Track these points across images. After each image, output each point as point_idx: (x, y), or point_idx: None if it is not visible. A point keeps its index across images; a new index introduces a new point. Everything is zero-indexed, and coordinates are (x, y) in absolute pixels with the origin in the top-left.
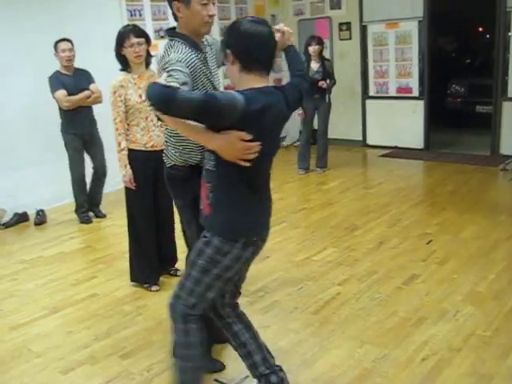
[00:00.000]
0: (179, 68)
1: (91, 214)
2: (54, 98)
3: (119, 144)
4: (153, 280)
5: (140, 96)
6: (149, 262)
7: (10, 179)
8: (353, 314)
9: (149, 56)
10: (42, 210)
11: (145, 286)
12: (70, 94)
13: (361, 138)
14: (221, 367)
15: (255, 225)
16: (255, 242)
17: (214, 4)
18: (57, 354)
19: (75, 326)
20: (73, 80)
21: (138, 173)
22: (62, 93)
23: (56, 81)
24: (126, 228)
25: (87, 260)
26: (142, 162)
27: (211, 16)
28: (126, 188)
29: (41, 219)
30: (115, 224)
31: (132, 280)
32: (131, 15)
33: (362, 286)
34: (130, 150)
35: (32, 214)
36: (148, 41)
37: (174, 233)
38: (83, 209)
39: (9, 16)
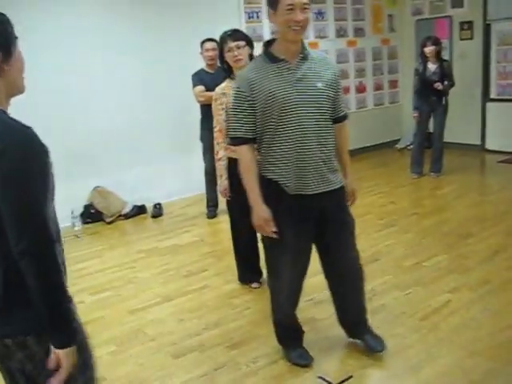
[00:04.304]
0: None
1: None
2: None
3: (217, 153)
4: (254, 279)
5: None
6: (248, 264)
7: (133, 174)
8: (463, 324)
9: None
10: (159, 204)
11: (248, 283)
12: (208, 91)
13: (479, 142)
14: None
15: None
16: None
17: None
18: (169, 339)
19: (186, 314)
20: (213, 77)
21: (236, 183)
22: (198, 88)
23: (196, 77)
24: (230, 223)
25: (199, 253)
26: None
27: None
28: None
29: (157, 212)
30: (226, 220)
31: (239, 279)
32: (249, 17)
33: (474, 296)
34: (230, 159)
35: (149, 206)
36: (250, 44)
37: None
38: (210, 203)
39: (148, 29)
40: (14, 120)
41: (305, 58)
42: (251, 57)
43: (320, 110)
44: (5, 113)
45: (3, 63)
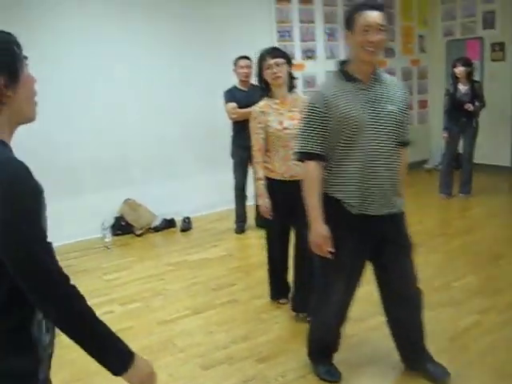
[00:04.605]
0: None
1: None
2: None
3: (256, 173)
4: (282, 294)
5: (281, 123)
6: (280, 284)
7: (163, 188)
8: (493, 345)
9: (291, 78)
10: (188, 218)
11: (276, 299)
12: (240, 108)
13: (509, 164)
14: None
15: None
16: None
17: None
18: (198, 351)
19: (215, 327)
20: (246, 95)
21: (275, 203)
22: (230, 105)
23: (228, 94)
24: (264, 240)
25: (227, 268)
26: (280, 192)
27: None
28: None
29: (186, 226)
30: (256, 235)
31: (271, 297)
32: (281, 36)
33: (505, 318)
34: (268, 179)
35: (178, 220)
36: (288, 61)
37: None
38: (239, 218)
39: (188, 43)
40: (10, 155)
41: (378, 79)
42: (290, 75)
43: (390, 133)
44: (5, 145)
45: (7, 89)
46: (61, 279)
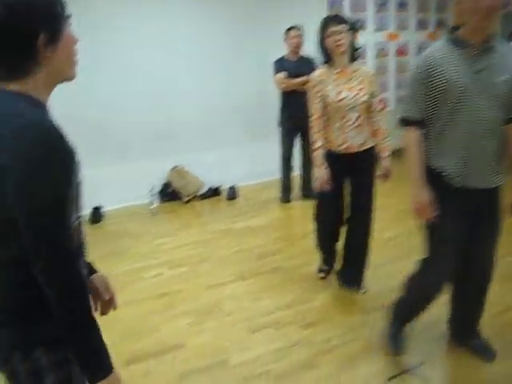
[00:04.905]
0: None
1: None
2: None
3: (315, 143)
4: (330, 266)
5: (338, 93)
6: (329, 255)
7: (210, 157)
8: None
9: (353, 49)
10: (234, 187)
11: (327, 270)
12: (289, 78)
13: None
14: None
15: None
16: None
17: None
18: (244, 315)
19: (260, 294)
20: (295, 65)
21: (331, 174)
22: (279, 75)
23: (278, 64)
24: (308, 210)
25: (272, 236)
26: (335, 164)
27: None
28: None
29: (232, 195)
30: (301, 205)
31: (320, 269)
32: (331, 7)
33: None
34: (325, 150)
35: (224, 189)
36: (352, 29)
37: (366, 252)
38: (285, 188)
39: (239, 14)
40: (44, 116)
41: (490, 47)
42: (352, 44)
43: (496, 105)
44: (41, 106)
45: (46, 48)
46: (74, 264)
